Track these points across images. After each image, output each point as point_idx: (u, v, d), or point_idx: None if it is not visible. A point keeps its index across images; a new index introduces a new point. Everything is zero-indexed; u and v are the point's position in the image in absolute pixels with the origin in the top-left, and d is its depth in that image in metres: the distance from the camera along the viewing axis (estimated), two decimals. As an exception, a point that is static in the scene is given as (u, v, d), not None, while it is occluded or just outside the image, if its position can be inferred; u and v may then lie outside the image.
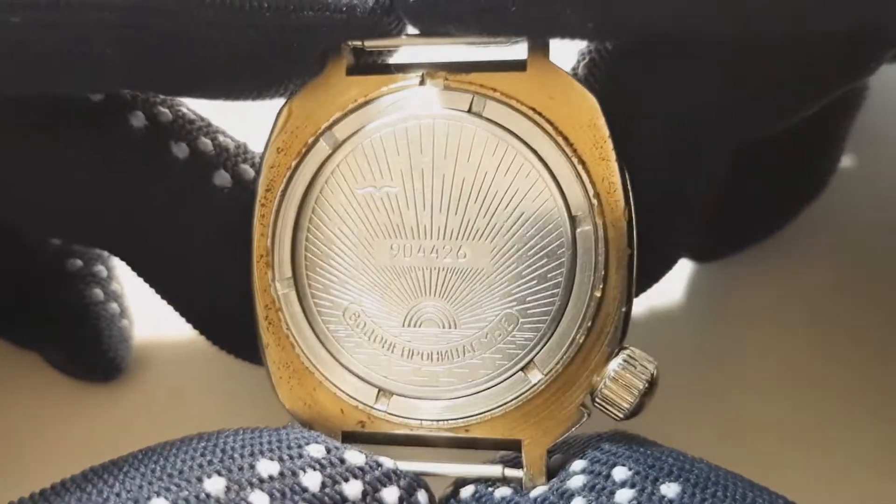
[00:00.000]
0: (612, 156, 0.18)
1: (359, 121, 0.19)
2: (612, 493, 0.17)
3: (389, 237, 0.19)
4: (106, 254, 0.27)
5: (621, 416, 0.18)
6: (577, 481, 0.17)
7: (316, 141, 0.20)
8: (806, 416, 0.24)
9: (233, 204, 0.21)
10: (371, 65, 0.20)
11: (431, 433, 0.19)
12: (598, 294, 0.18)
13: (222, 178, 0.21)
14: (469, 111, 0.19)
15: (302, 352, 0.20)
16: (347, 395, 0.19)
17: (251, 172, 0.22)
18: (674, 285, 0.27)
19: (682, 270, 0.28)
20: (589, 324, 0.18)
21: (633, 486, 0.17)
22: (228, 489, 0.16)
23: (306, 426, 0.19)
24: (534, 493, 0.18)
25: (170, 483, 0.16)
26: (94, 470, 0.17)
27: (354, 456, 0.18)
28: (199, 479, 0.16)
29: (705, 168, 0.21)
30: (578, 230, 0.18)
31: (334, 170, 0.20)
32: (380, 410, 0.19)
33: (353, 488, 0.17)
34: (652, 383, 0.18)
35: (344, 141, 0.19)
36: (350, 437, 0.19)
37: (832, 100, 0.20)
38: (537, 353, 0.19)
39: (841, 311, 0.26)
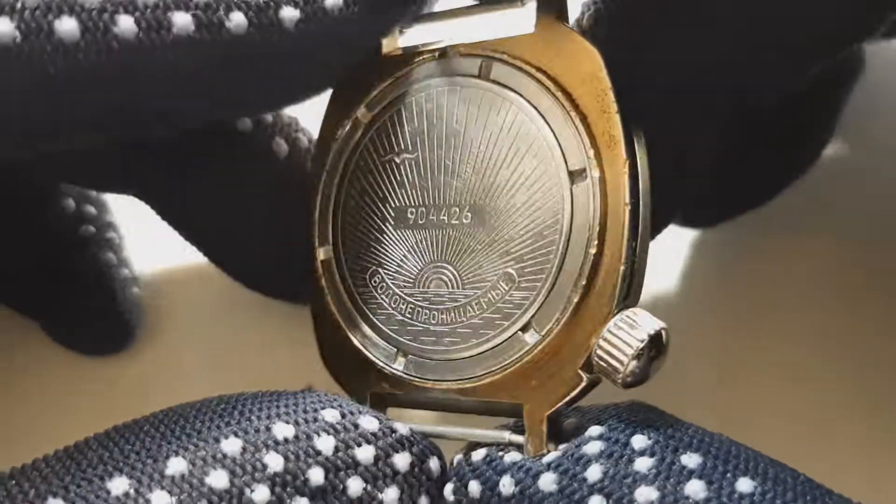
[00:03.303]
0: (613, 108, 0.18)
1: (387, 96, 0.21)
2: (631, 460, 0.16)
3: (408, 203, 0.20)
4: (117, 221, 0.28)
5: (619, 381, 0.17)
6: (593, 447, 0.17)
7: (353, 116, 0.21)
8: (812, 401, 0.24)
9: (289, 171, 0.23)
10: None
11: (445, 396, 0.19)
12: (592, 251, 0.18)
13: (279, 145, 0.23)
14: (478, 76, 0.19)
15: (336, 314, 0.21)
16: (371, 354, 0.20)
17: (305, 141, 0.23)
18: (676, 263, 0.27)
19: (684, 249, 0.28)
20: (584, 282, 0.18)
21: (652, 454, 0.16)
22: (244, 450, 0.17)
23: (342, 387, 0.20)
24: (547, 458, 0.17)
25: (188, 443, 0.17)
26: (116, 429, 0.17)
27: (369, 421, 0.18)
28: (217, 440, 0.17)
29: (704, 127, 0.21)
30: (575, 185, 0.18)
31: (365, 143, 0.21)
32: (397, 371, 0.20)
33: (365, 453, 0.18)
34: (655, 345, 0.17)
35: (374, 115, 0.21)
36: (377, 399, 0.20)
37: (830, 69, 0.20)
38: (534, 314, 0.18)
39: (842, 289, 0.26)
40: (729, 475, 0.16)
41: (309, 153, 0.23)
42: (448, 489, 0.18)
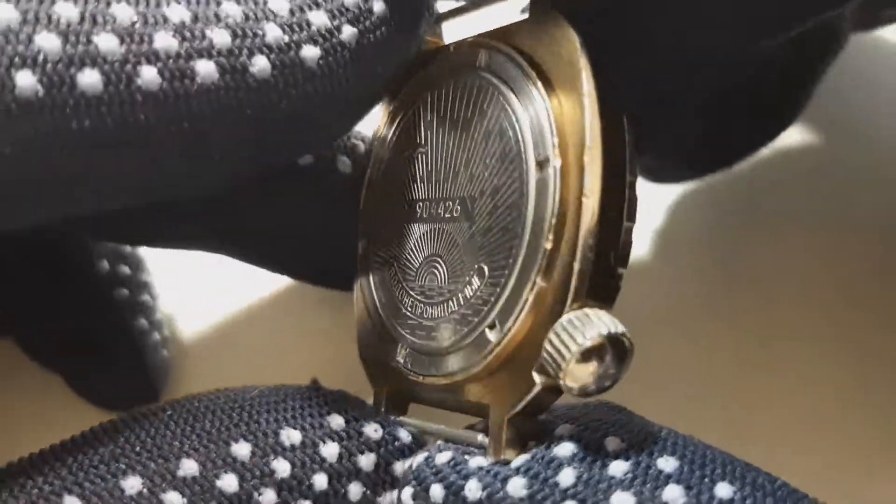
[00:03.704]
0: (584, 93, 0.17)
1: (413, 90, 0.21)
2: (605, 464, 0.16)
3: (418, 197, 0.20)
4: (151, 281, 0.28)
5: (564, 386, 0.16)
6: (564, 449, 0.16)
7: (387, 112, 0.22)
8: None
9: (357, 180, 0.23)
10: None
11: (436, 393, 0.19)
12: (547, 245, 0.17)
13: (343, 164, 0.23)
14: (477, 66, 0.19)
15: (365, 307, 0.21)
16: (386, 348, 0.20)
17: (363, 147, 0.24)
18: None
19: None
20: (540, 279, 0.17)
21: (627, 458, 0.16)
22: (253, 454, 0.18)
23: (372, 382, 0.21)
24: (516, 462, 0.17)
25: (199, 444, 0.17)
26: (125, 422, 0.18)
27: (373, 429, 0.19)
28: (227, 443, 0.18)
29: (679, 93, 0.21)
30: (539, 176, 0.17)
31: (394, 138, 0.22)
32: (399, 363, 0.20)
33: (367, 461, 0.19)
34: (613, 351, 0.15)
35: (401, 111, 0.21)
36: (394, 395, 0.20)
37: (803, 40, 0.20)
38: (498, 311, 0.18)
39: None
40: (707, 480, 0.15)
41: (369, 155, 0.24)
42: (407, 494, 0.18)
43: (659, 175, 0.27)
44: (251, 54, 0.17)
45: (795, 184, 0.28)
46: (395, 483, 0.19)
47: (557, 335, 0.16)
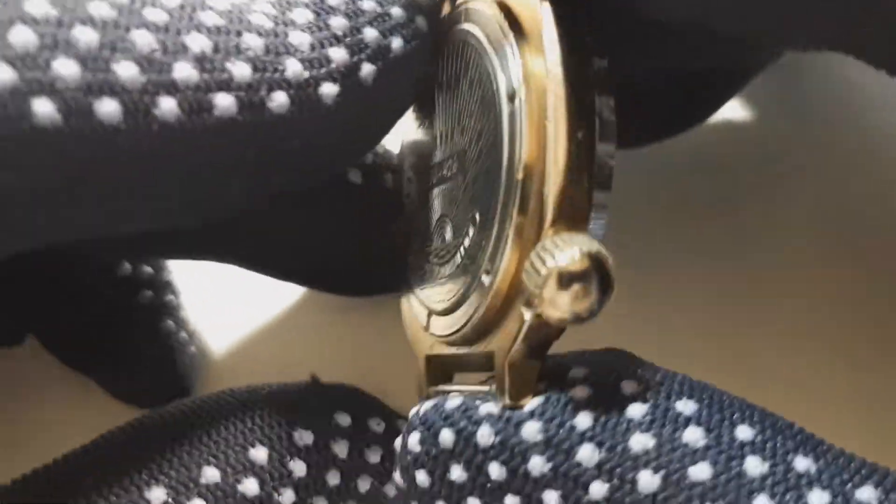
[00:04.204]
0: (544, 21, 0.16)
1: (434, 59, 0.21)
2: (623, 406, 0.15)
3: (434, 161, 0.21)
4: (174, 281, 0.28)
5: (546, 314, 0.15)
6: (580, 392, 0.16)
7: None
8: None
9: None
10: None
11: (455, 351, 0.19)
12: (519, 176, 0.16)
13: (388, 181, 0.23)
14: (463, 21, 0.19)
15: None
16: (417, 317, 0.20)
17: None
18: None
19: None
20: (517, 211, 0.16)
21: (644, 400, 0.15)
22: (271, 457, 0.19)
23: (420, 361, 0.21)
24: (530, 406, 0.16)
25: (217, 451, 0.18)
26: (145, 427, 0.19)
27: (376, 423, 0.20)
28: (244, 448, 0.19)
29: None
30: (509, 110, 0.17)
31: (414, 119, 0.22)
32: (429, 332, 0.20)
33: (375, 456, 0.20)
34: (595, 272, 0.15)
35: (425, 80, 0.21)
36: (435, 366, 0.20)
37: None
38: (489, 253, 0.17)
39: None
40: (727, 422, 0.15)
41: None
42: (414, 438, 0.17)
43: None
44: (270, 89, 0.17)
45: (795, 183, 0.28)
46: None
47: (532, 263, 0.15)
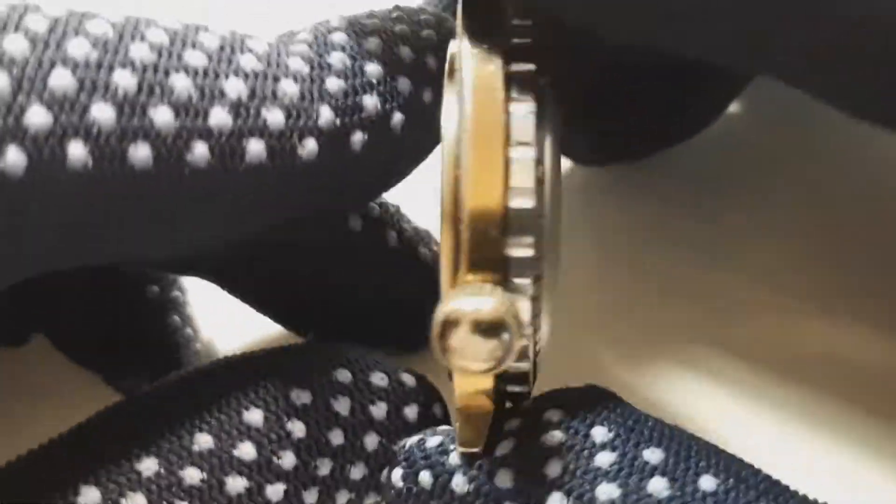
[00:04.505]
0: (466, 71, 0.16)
1: None
2: (592, 455, 0.16)
3: None
4: (179, 278, 0.28)
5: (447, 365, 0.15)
6: (552, 438, 0.16)
7: None
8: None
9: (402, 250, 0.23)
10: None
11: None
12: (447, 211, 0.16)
13: (392, 238, 0.23)
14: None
15: None
16: None
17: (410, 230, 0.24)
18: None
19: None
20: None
21: (613, 448, 0.16)
22: (267, 419, 0.18)
23: None
24: (501, 451, 0.16)
25: (209, 417, 0.18)
26: (133, 402, 0.19)
27: (379, 377, 0.19)
28: (238, 412, 0.18)
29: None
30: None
31: None
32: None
33: (379, 410, 0.19)
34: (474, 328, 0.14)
35: None
36: None
37: None
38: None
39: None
40: (691, 472, 0.15)
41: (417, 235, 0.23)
42: (397, 474, 0.18)
43: (579, 156, 0.27)
44: (302, 136, 0.17)
45: (794, 182, 0.28)
46: (408, 428, 0.19)
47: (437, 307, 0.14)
